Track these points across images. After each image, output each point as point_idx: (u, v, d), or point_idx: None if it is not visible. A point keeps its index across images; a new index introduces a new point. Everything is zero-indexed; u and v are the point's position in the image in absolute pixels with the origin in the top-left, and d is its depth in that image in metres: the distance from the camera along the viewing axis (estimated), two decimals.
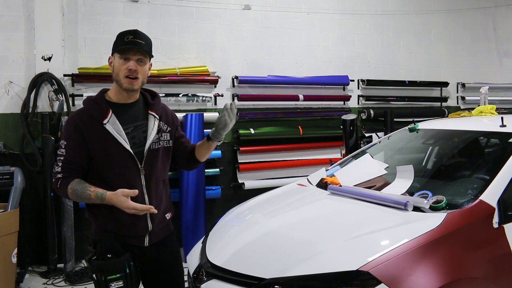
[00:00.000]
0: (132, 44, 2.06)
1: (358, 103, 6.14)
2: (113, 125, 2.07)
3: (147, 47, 2.12)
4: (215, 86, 5.28)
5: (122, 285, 2.02)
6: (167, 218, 2.29)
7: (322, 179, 3.20)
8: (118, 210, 2.04)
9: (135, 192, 2.02)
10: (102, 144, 2.06)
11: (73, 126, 2.08)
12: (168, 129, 2.26)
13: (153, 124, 2.18)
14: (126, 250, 2.08)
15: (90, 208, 2.15)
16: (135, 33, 2.10)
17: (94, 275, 2.02)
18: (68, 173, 2.05)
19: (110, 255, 2.04)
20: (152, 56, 2.19)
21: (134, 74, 2.08)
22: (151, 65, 2.21)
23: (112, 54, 2.13)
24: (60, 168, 2.06)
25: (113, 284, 2.00)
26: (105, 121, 2.06)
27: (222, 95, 5.30)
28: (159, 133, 2.20)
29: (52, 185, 2.15)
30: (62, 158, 2.07)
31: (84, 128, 2.06)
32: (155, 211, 2.06)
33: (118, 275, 2.01)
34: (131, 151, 2.09)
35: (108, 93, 2.17)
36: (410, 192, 2.69)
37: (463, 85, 6.87)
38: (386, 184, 2.90)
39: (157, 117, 2.21)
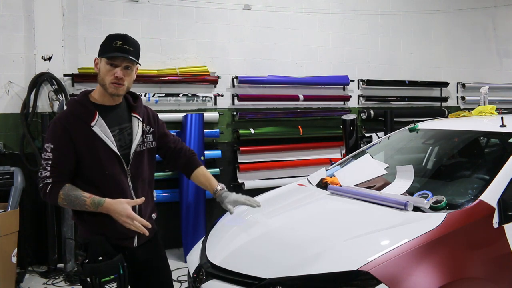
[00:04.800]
0: (121, 51, 2.03)
1: (358, 103, 6.14)
2: (100, 127, 2.04)
3: (135, 54, 2.08)
4: (215, 86, 5.28)
5: (116, 286, 2.00)
6: (153, 218, 2.30)
7: (322, 179, 3.20)
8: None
9: (142, 199, 2.06)
10: (90, 147, 2.03)
11: (60, 128, 2.02)
12: (151, 130, 2.26)
13: (137, 127, 2.17)
14: (118, 251, 2.07)
15: (78, 212, 2.09)
16: (124, 39, 2.06)
17: (88, 279, 1.99)
18: (58, 177, 1.99)
19: (101, 258, 2.02)
20: (139, 64, 2.16)
21: (120, 82, 2.05)
22: (137, 69, 2.18)
23: (99, 56, 2.08)
24: (48, 172, 1.99)
25: (107, 286, 1.98)
26: (92, 123, 2.03)
27: (222, 95, 5.30)
28: (143, 135, 2.19)
29: (39, 191, 2.05)
30: (50, 162, 2.00)
31: (72, 131, 2.01)
32: (147, 232, 2.02)
33: (112, 277, 1.99)
34: (118, 153, 2.07)
35: (92, 95, 2.13)
36: (410, 192, 2.69)
37: (463, 85, 6.87)
38: (386, 184, 2.90)
39: (140, 119, 2.20)
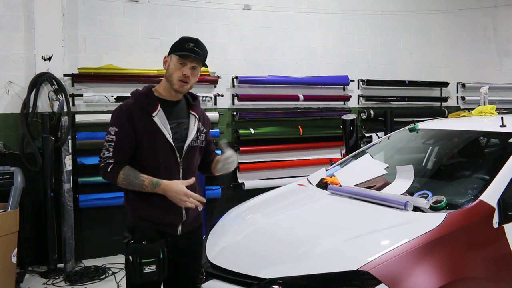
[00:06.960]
0: (192, 53, 2.22)
1: (358, 103, 6.14)
2: (160, 119, 2.21)
3: (203, 57, 2.28)
4: (215, 86, 5.28)
5: (155, 269, 2.13)
6: (199, 210, 2.36)
7: (322, 179, 3.20)
8: (156, 199, 2.18)
9: (193, 179, 2.22)
10: (149, 135, 2.18)
11: (125, 114, 2.19)
12: (205, 130, 2.42)
13: (194, 124, 2.34)
14: (161, 237, 2.20)
15: (128, 197, 2.26)
16: (196, 42, 2.27)
17: (130, 257, 2.12)
18: (119, 158, 2.16)
19: (145, 241, 2.15)
20: (206, 66, 2.34)
21: (187, 80, 2.24)
22: (199, 72, 2.35)
23: (169, 54, 2.28)
24: (111, 153, 2.16)
25: (146, 268, 2.11)
26: (154, 114, 2.20)
27: (222, 95, 5.30)
28: (198, 133, 2.35)
29: (99, 170, 2.21)
30: (113, 144, 2.17)
31: (135, 118, 2.18)
32: (201, 206, 2.20)
33: (152, 259, 2.12)
34: (173, 144, 2.22)
35: (156, 89, 2.31)
36: (410, 192, 2.69)
37: (463, 85, 6.87)
38: (386, 184, 2.90)
39: (197, 117, 2.37)
